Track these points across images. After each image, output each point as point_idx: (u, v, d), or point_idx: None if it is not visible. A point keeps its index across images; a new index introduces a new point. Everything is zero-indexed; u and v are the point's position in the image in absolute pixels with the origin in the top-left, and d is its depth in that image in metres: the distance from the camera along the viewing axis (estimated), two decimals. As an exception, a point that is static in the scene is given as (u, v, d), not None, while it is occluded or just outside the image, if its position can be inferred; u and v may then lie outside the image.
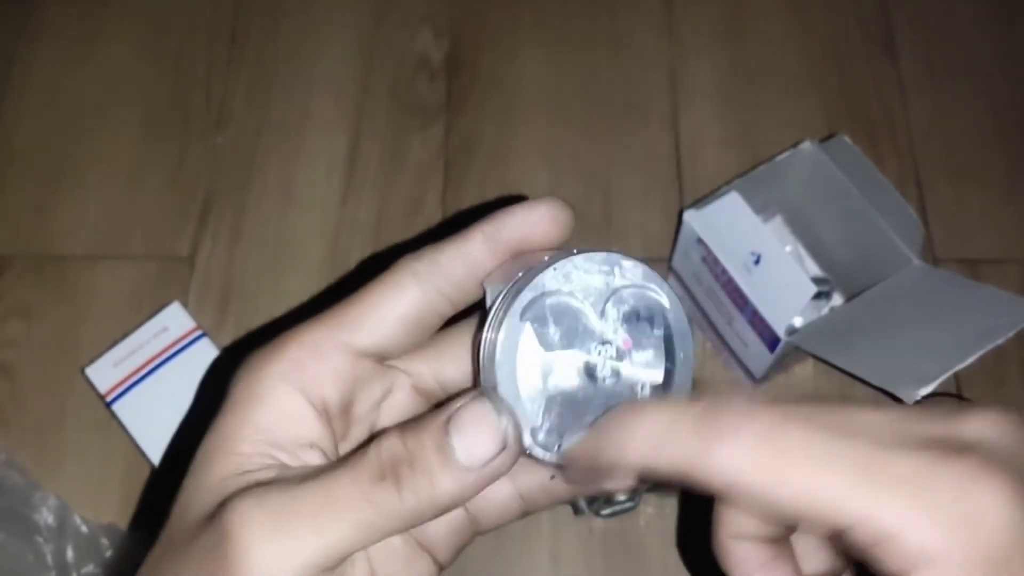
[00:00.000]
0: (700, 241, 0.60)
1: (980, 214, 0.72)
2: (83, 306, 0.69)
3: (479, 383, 0.28)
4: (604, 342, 0.27)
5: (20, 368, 0.67)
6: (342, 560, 0.25)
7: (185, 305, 0.65)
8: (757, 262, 0.58)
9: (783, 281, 0.57)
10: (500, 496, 0.30)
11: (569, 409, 0.27)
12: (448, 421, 0.26)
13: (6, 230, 0.72)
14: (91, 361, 0.63)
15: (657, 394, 0.28)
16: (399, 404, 0.30)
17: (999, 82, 0.77)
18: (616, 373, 0.28)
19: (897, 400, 0.53)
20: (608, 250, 0.29)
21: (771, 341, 0.58)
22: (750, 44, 0.79)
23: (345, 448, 0.29)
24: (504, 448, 0.26)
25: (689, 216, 0.60)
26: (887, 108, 0.76)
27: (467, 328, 0.31)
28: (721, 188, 0.61)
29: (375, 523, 0.25)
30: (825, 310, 0.66)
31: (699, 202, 0.61)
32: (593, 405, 0.27)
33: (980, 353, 0.52)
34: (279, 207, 0.73)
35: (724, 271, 0.59)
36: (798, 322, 0.64)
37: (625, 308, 0.28)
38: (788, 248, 0.68)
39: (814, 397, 0.24)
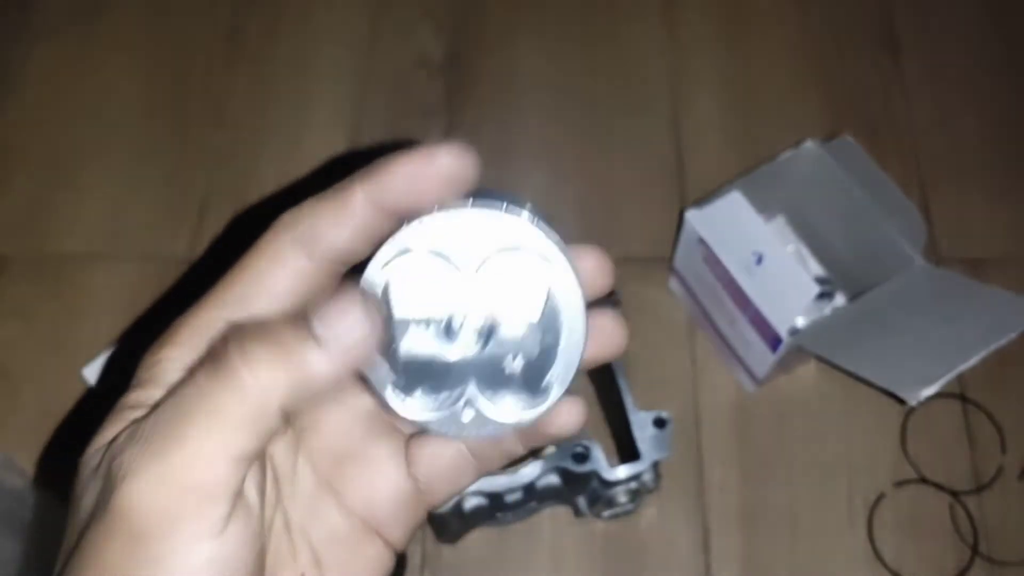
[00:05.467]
0: (701, 241, 0.60)
1: (984, 214, 0.72)
2: (80, 306, 0.68)
3: None
4: (469, 308, 0.25)
5: (17, 368, 0.67)
6: (237, 464, 0.23)
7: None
8: (759, 262, 0.58)
9: (785, 281, 0.57)
10: (448, 457, 0.28)
11: (428, 371, 0.26)
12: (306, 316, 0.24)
13: (3, 229, 0.72)
14: (88, 361, 0.62)
15: (531, 370, 0.26)
16: None
17: (1003, 81, 0.77)
18: (482, 342, 0.26)
19: (900, 401, 0.53)
20: (504, 203, 0.26)
21: (773, 341, 0.58)
22: (752, 42, 0.79)
23: None
24: (369, 328, 0.23)
25: (691, 216, 0.60)
26: (890, 107, 0.76)
27: None
28: (723, 187, 0.61)
29: (228, 414, 0.23)
30: (827, 310, 0.66)
31: (701, 201, 0.60)
32: (456, 372, 0.26)
33: (984, 353, 0.52)
34: (278, 206, 0.72)
35: (726, 271, 0.59)
36: (800, 322, 0.64)
37: (502, 272, 0.25)
38: (790, 248, 0.68)
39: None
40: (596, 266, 0.27)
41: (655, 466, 0.57)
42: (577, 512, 0.61)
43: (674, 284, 0.68)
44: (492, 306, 0.25)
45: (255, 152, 0.75)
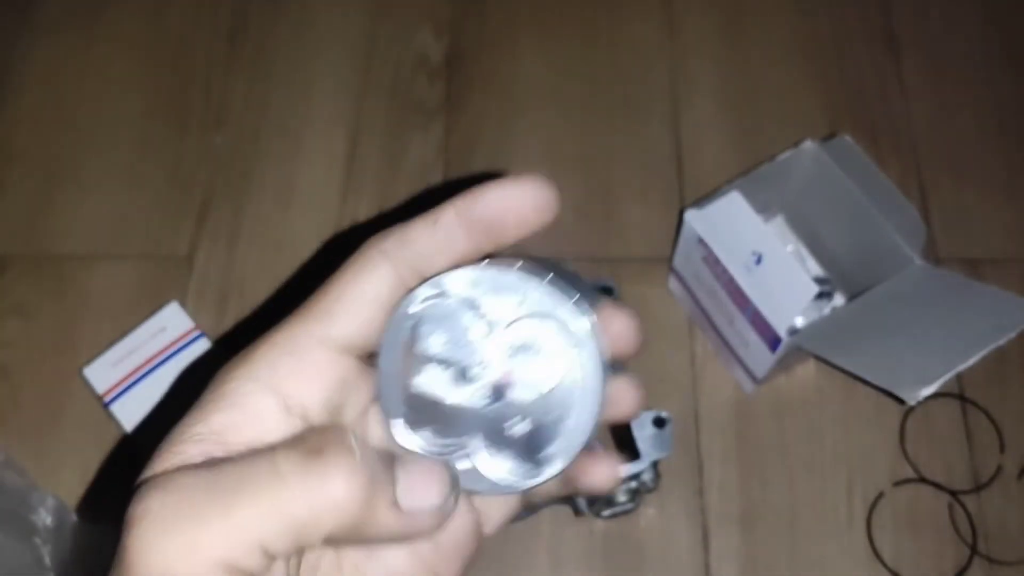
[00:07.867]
0: (701, 241, 0.60)
1: (982, 214, 0.72)
2: (81, 306, 0.69)
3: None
4: (488, 361, 0.26)
5: (18, 368, 0.67)
6: (265, 558, 0.22)
7: (183, 305, 0.65)
8: (758, 262, 0.58)
9: (784, 281, 0.57)
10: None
11: (437, 413, 0.26)
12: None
13: (4, 230, 0.72)
14: (89, 361, 0.62)
15: (534, 438, 0.26)
16: None
17: (1002, 81, 0.77)
18: (491, 398, 0.26)
19: (899, 400, 0.53)
20: (550, 272, 0.26)
21: (772, 341, 0.58)
22: (751, 42, 0.79)
23: None
24: (449, 505, 0.25)
25: (690, 216, 0.60)
26: (889, 107, 0.76)
27: None
28: (722, 187, 0.61)
29: (292, 510, 0.22)
30: (827, 310, 0.66)
31: (700, 201, 0.60)
32: (461, 420, 0.26)
33: (982, 353, 0.52)
34: (278, 206, 0.73)
35: (725, 271, 0.59)
36: (799, 322, 0.64)
37: (528, 337, 0.26)
38: (789, 248, 0.68)
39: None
40: (626, 330, 0.27)
41: (655, 465, 0.57)
42: (577, 511, 0.61)
43: (674, 284, 0.68)
44: (510, 366, 0.26)
45: (255, 152, 0.75)
